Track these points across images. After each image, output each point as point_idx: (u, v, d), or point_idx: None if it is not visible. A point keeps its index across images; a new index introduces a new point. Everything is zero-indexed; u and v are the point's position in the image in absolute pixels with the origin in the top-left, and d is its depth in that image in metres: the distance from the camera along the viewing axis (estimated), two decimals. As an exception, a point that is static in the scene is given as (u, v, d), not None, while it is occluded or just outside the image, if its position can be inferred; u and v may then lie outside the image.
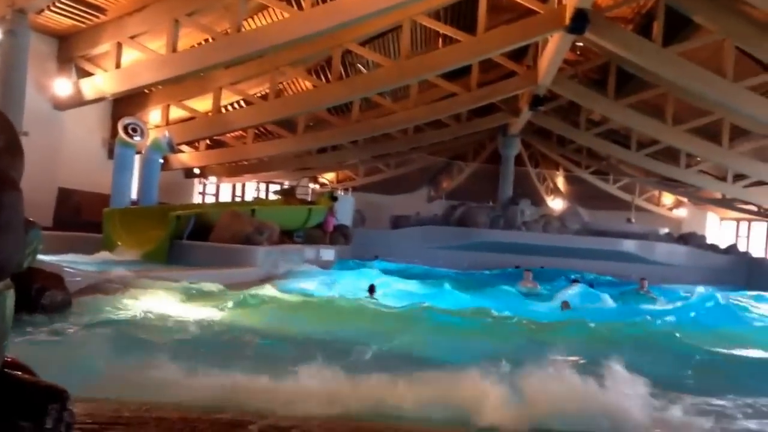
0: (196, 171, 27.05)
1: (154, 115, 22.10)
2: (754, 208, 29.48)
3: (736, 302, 14.67)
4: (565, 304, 13.47)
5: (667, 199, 34.94)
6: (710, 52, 17.24)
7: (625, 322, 10.19)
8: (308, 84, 22.42)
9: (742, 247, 31.07)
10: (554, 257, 22.57)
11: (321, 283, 14.20)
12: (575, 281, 16.25)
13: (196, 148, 25.48)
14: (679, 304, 14.25)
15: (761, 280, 21.92)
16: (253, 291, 10.50)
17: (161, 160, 20.07)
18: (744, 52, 17.02)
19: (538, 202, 33.13)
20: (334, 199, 21.63)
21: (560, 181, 35.77)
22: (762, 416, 5.46)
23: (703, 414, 5.03)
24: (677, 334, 8.91)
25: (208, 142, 25.55)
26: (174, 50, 16.56)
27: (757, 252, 30.98)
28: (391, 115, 23.30)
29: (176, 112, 22.29)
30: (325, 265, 18.01)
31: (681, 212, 34.72)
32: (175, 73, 17.04)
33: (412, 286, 15.38)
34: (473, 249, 23.91)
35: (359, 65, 22.18)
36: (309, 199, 23.01)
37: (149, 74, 17.40)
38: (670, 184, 29.63)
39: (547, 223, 27.40)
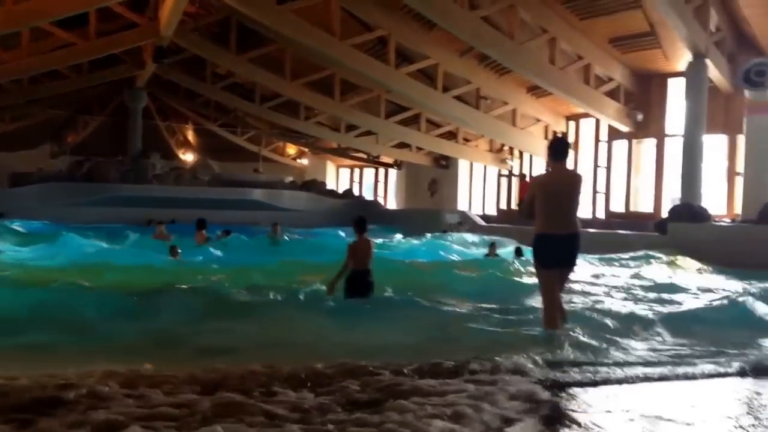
0: None
1: None
2: (365, 156, 33.58)
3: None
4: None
5: (291, 149, 37.70)
6: (322, 11, 19.14)
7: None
8: None
9: (356, 191, 35.28)
10: (188, 209, 23.21)
11: None
12: (227, 232, 17.02)
13: None
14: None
15: (373, 219, 25.19)
16: None
17: None
18: (350, 13, 19.41)
19: (170, 155, 33.36)
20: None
21: (190, 135, 36.32)
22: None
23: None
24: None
25: None
26: None
27: (368, 195, 35.41)
28: (0, 65, 21.53)
29: None
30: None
31: (304, 161, 37.82)
32: None
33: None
34: (104, 204, 23.50)
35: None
36: None
37: None
38: (293, 135, 32.12)
39: (179, 175, 27.97)
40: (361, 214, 9.06)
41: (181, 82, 28.54)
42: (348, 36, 18.93)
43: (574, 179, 6.34)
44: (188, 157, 35.17)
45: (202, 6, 23.80)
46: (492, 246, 16.48)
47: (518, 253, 15.63)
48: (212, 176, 28.81)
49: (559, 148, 6.37)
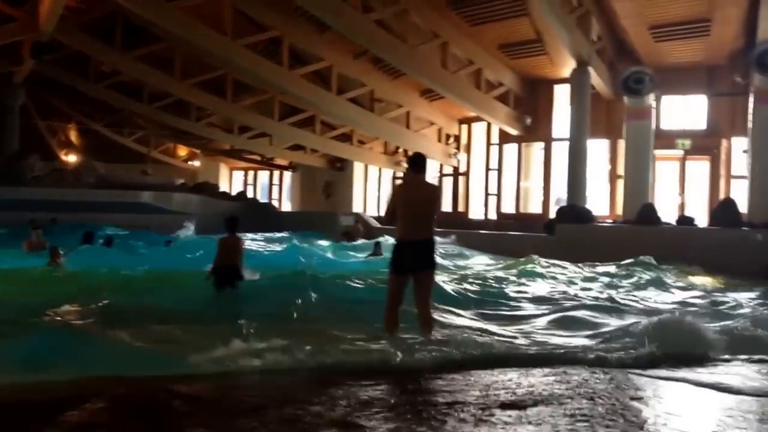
0: None
1: None
2: (259, 158, 33.26)
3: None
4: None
5: (182, 151, 36.83)
6: (213, 10, 18.80)
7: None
8: None
9: (250, 194, 34.88)
10: (70, 212, 22.26)
11: None
12: (89, 234, 16.40)
13: None
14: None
15: (269, 223, 24.93)
16: None
17: None
18: (242, 13, 19.18)
19: (51, 156, 31.84)
20: None
21: (73, 135, 34.81)
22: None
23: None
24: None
25: None
26: None
27: (263, 197, 35.09)
28: None
29: None
30: None
31: (195, 163, 37.01)
32: None
33: None
34: (-24, 208, 22.17)
35: None
36: None
37: None
38: (183, 136, 31.42)
39: (60, 177, 26.80)
40: (234, 215, 9.81)
41: (63, 80, 27.31)
42: (240, 36, 18.71)
43: (432, 190, 6.96)
44: (71, 158, 33.71)
45: (85, 1, 22.89)
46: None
47: (376, 247, 16.39)
48: (97, 178, 27.75)
49: (417, 161, 6.93)
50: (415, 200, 6.64)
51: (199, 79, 23.53)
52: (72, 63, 25.78)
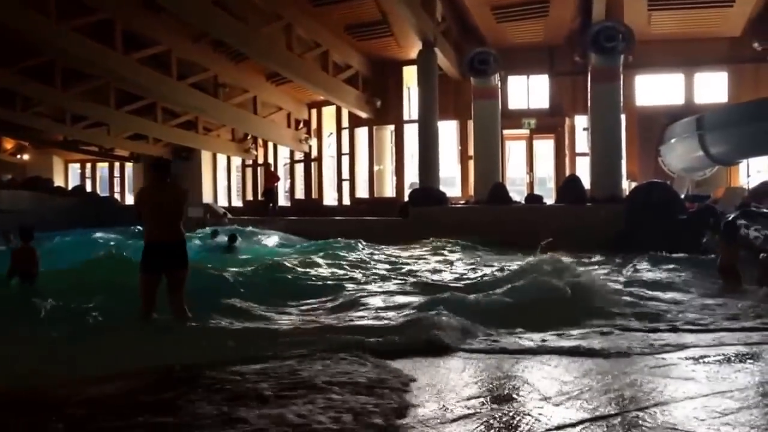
0: None
1: None
2: (96, 149, 31.52)
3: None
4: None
5: (8, 144, 34.33)
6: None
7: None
8: None
9: (89, 188, 33.09)
10: None
11: None
12: None
13: None
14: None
15: (109, 217, 23.71)
16: None
17: None
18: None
19: None
20: None
21: None
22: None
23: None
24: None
25: None
26: None
27: (104, 191, 33.39)
28: None
29: None
30: None
31: (25, 156, 34.63)
32: None
33: None
34: None
35: None
36: None
37: None
38: (8, 127, 29.21)
39: None
40: (28, 224, 9.48)
41: None
42: (66, 17, 17.46)
43: (177, 193, 7.24)
44: None
45: None
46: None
47: (231, 240, 16.24)
48: None
49: (158, 167, 7.36)
50: (161, 203, 6.96)
51: (23, 65, 21.84)
52: None
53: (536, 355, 5.49)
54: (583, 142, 20.25)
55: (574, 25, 18.38)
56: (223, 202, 28.34)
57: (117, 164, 33.93)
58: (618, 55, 16.43)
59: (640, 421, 3.73)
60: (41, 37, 17.95)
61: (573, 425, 3.70)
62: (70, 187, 32.48)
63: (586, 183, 17.29)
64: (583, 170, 18.88)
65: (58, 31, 17.26)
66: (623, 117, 17.58)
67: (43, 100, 25.07)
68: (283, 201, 26.71)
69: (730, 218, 10.91)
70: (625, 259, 12.12)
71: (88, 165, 35.30)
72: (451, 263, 12.70)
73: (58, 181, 33.10)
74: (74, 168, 35.88)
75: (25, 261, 8.96)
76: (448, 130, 21.78)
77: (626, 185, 18.27)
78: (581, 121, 20.37)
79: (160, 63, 20.61)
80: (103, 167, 35.13)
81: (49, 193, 28.03)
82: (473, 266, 12.03)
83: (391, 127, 23.15)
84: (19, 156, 34.61)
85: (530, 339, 6.05)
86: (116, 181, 34.50)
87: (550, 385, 4.54)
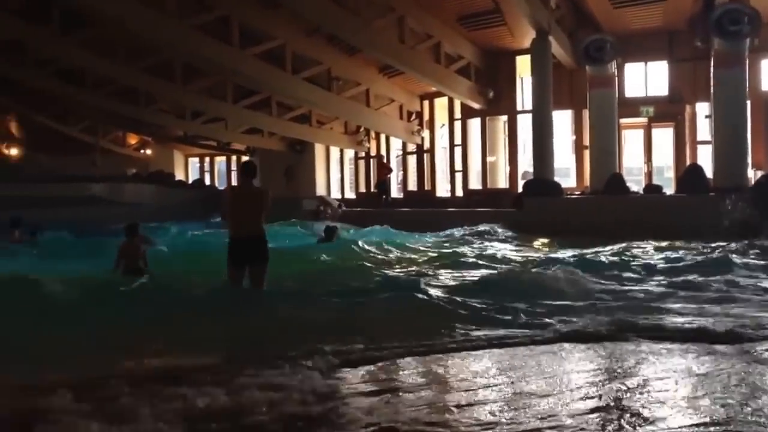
0: None
1: None
2: (215, 143, 33.08)
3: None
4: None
5: (133, 139, 36.42)
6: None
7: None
8: None
9: (208, 181, 34.76)
10: (14, 209, 21.80)
11: None
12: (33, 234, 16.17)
13: None
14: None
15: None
16: None
17: None
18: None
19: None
20: None
21: (14, 127, 34.19)
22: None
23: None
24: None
25: None
26: None
27: (222, 184, 34.95)
28: None
29: None
30: None
31: (148, 151, 36.65)
32: None
33: None
34: None
35: None
36: None
37: None
38: (133, 123, 31.02)
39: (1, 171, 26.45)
40: (135, 222, 10.21)
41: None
42: (186, 17, 18.43)
43: (259, 193, 7.92)
44: (13, 151, 33.18)
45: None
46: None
47: (327, 233, 15.41)
48: (42, 171, 27.38)
49: (246, 168, 8.19)
50: (245, 202, 7.75)
51: (145, 64, 23.14)
52: (4, 51, 25.02)
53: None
54: (704, 130, 19.67)
55: (695, 8, 17.89)
56: (336, 194, 29.12)
57: (234, 158, 35.40)
58: (743, 39, 15.98)
59: None
60: (162, 36, 19.04)
61: None
62: (190, 181, 34.24)
63: (708, 172, 16.86)
64: (705, 159, 18.38)
65: (180, 30, 18.29)
66: (748, 103, 17.03)
67: (164, 97, 26.53)
68: (395, 193, 27.24)
69: None
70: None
71: (207, 159, 37.00)
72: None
73: (179, 175, 34.94)
74: (194, 162, 37.71)
75: (130, 256, 9.64)
76: (562, 120, 21.63)
77: (752, 174, 17.65)
78: (702, 109, 19.77)
79: (275, 58, 21.47)
80: (220, 161, 36.73)
81: (171, 187, 29.63)
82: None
83: (504, 117, 23.20)
84: (142, 151, 36.70)
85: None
86: (233, 175, 35.99)
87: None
